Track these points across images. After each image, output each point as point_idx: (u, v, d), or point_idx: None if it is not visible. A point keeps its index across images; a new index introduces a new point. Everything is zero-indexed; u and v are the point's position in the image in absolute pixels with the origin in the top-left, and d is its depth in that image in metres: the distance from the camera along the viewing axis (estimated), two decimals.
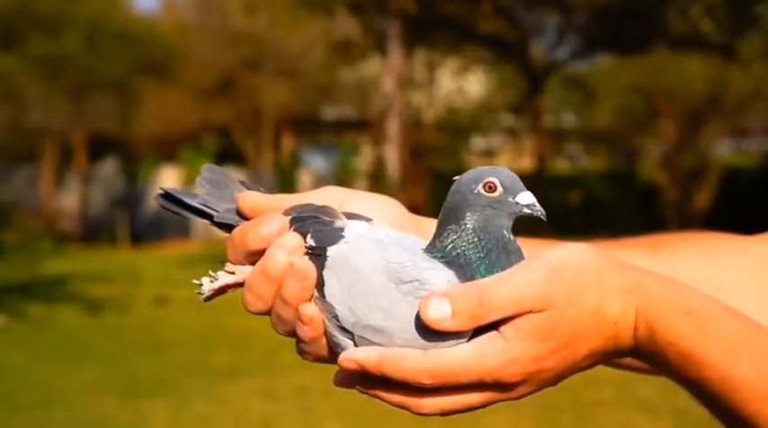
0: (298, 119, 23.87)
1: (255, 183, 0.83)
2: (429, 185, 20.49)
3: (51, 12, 17.84)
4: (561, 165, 25.96)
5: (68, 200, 21.52)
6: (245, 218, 0.77)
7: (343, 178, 22.78)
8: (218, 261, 0.80)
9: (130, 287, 12.48)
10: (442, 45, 15.20)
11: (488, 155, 22.46)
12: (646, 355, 0.66)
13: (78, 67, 17.87)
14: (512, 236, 0.72)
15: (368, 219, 0.76)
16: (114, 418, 6.05)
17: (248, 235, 0.72)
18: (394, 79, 10.47)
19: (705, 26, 9.69)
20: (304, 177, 23.02)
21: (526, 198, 0.73)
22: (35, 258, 15.97)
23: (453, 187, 0.74)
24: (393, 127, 10.44)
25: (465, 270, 0.69)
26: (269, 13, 12.31)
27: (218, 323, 9.76)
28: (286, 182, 22.43)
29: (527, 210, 0.72)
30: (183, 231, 21.33)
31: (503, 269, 0.69)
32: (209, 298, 0.83)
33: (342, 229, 0.75)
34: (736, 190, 17.38)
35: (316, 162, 25.44)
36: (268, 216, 0.73)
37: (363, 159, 22.81)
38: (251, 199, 0.74)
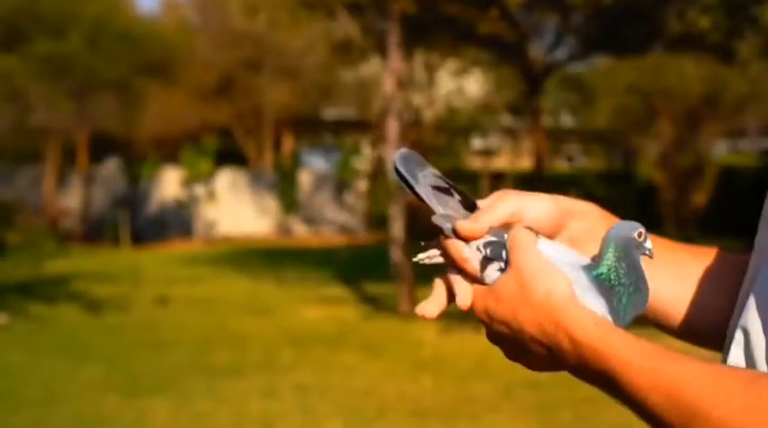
0: (298, 119, 23.90)
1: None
2: None
3: (54, 13, 17.87)
4: (560, 165, 25.99)
5: (71, 200, 21.55)
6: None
7: (343, 178, 22.82)
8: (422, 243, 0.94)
9: (132, 286, 12.50)
10: (441, 46, 15.22)
11: (487, 155, 22.49)
12: (573, 361, 0.83)
13: (81, 68, 17.89)
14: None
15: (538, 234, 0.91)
16: (116, 416, 6.08)
17: (452, 250, 0.89)
18: (394, 80, 10.50)
19: (703, 23, 9.71)
20: (304, 177, 23.05)
21: (650, 244, 0.90)
22: (37, 257, 15.99)
23: (618, 232, 0.89)
24: (393, 127, 10.47)
25: (611, 296, 0.86)
26: (269, 14, 12.35)
27: (218, 322, 9.80)
28: (286, 182, 22.47)
29: (648, 253, 0.90)
30: (185, 231, 21.36)
31: (634, 302, 0.87)
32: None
33: None
34: (733, 189, 17.41)
35: (316, 162, 25.46)
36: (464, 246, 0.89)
37: (363, 159, 22.85)
38: (464, 228, 0.89)
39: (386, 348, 8.38)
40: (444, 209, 0.91)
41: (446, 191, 0.91)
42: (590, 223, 0.96)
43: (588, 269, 0.87)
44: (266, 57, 22.28)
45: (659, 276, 0.95)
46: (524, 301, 0.84)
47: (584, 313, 0.82)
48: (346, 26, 11.13)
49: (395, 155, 0.91)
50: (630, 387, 0.77)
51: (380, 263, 11.65)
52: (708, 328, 0.95)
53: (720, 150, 21.74)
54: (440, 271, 0.92)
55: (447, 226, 0.89)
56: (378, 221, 21.00)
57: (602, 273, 0.87)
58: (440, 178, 0.91)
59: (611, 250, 0.87)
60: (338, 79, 22.15)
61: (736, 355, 0.86)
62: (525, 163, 21.21)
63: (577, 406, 6.05)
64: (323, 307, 10.59)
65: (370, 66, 16.84)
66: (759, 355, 0.83)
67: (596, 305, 0.85)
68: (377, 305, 10.67)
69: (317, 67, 21.25)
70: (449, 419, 6.04)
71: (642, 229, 0.89)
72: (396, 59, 10.58)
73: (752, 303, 0.86)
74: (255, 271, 14.16)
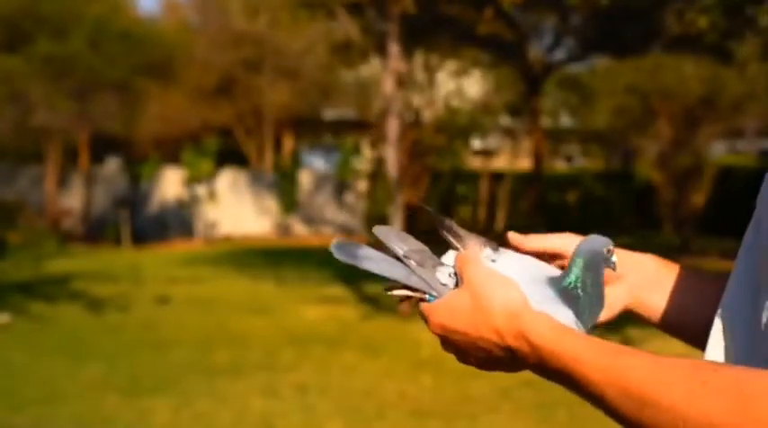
0: (298, 119, 23.92)
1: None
2: (428, 185, 20.55)
3: (56, 13, 17.88)
4: (559, 166, 26.02)
5: (72, 200, 21.58)
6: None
7: (343, 178, 22.85)
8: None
9: (132, 286, 12.51)
10: (441, 46, 15.26)
11: (487, 155, 22.52)
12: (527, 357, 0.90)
13: (82, 68, 17.90)
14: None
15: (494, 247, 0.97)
16: (116, 416, 6.09)
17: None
18: (394, 80, 10.53)
19: (702, 23, 9.73)
20: (304, 177, 23.07)
21: (615, 258, 0.97)
22: (39, 257, 16.03)
23: (588, 246, 0.96)
24: (393, 127, 10.49)
25: (577, 305, 0.92)
26: (270, 15, 12.37)
27: (219, 322, 9.82)
28: (286, 182, 22.50)
29: (612, 267, 0.97)
30: (185, 231, 21.38)
31: (595, 312, 0.94)
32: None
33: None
34: (731, 190, 17.43)
35: (316, 162, 25.49)
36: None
37: (363, 159, 22.87)
38: (514, 237, 1.05)
39: (386, 348, 8.40)
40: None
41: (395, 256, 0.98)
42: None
43: (556, 281, 0.93)
44: (266, 58, 22.31)
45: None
46: (480, 311, 0.90)
47: (540, 317, 0.89)
48: (346, 26, 11.15)
49: (334, 250, 0.99)
50: (587, 384, 0.84)
51: None
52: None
53: (719, 151, 21.76)
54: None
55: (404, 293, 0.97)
56: (378, 221, 21.01)
57: (569, 283, 0.92)
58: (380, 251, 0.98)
59: (580, 261, 0.94)
60: (338, 79, 22.18)
61: (715, 340, 0.91)
62: (524, 163, 21.24)
63: (575, 406, 6.06)
64: (323, 307, 10.61)
65: (370, 67, 16.88)
66: (739, 338, 0.88)
67: (562, 315, 0.91)
68: (377, 305, 10.69)
69: (317, 68, 21.28)
70: (448, 419, 6.06)
71: (612, 246, 0.96)
72: (395, 60, 10.60)
73: (733, 289, 0.91)
74: (256, 271, 14.19)
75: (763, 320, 0.84)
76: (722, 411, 0.75)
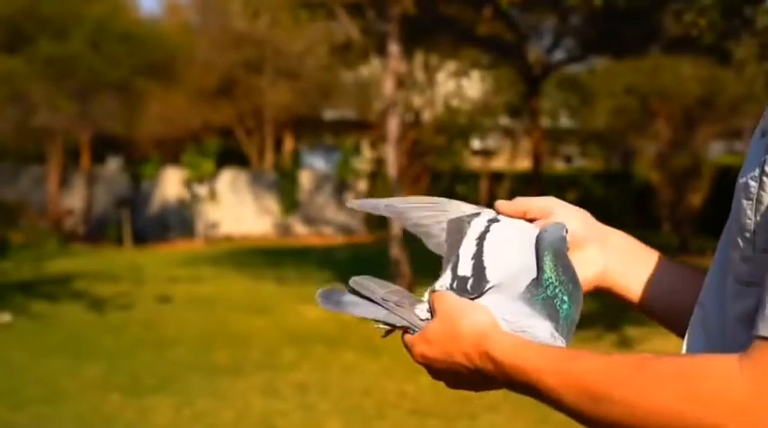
0: (299, 119, 23.95)
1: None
2: (427, 185, 20.58)
3: (57, 14, 17.90)
4: (558, 166, 26.04)
5: (74, 200, 21.62)
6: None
7: (343, 178, 22.88)
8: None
9: (134, 286, 12.54)
10: (440, 47, 15.28)
11: (486, 155, 22.55)
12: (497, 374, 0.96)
13: (83, 69, 17.93)
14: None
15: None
16: (117, 414, 6.11)
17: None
18: (393, 81, 10.56)
19: (702, 24, 9.76)
20: (305, 177, 23.11)
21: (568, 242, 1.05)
22: (40, 257, 16.07)
23: (550, 239, 1.02)
24: (392, 127, 10.53)
25: (555, 310, 0.99)
26: (270, 16, 12.40)
27: (220, 321, 9.85)
28: (287, 182, 22.53)
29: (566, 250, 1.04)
30: (186, 231, 21.41)
31: (576, 299, 1.00)
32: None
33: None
34: (729, 190, 17.37)
35: (316, 162, 25.52)
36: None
37: (363, 159, 22.91)
38: (503, 204, 1.12)
39: (385, 347, 8.42)
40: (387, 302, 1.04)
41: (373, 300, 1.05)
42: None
43: (534, 288, 0.99)
44: (267, 59, 22.35)
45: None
46: (451, 338, 0.97)
47: (502, 337, 0.96)
48: (346, 27, 11.18)
49: (320, 300, 1.05)
50: (547, 390, 0.90)
51: (380, 263, 11.70)
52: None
53: (717, 151, 21.79)
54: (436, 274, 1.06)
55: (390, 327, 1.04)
56: (378, 221, 21.06)
57: (546, 290, 0.98)
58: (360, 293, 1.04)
59: (548, 258, 1.01)
60: (338, 80, 22.21)
61: (695, 329, 0.97)
62: (524, 163, 21.27)
63: None
64: None
65: (371, 67, 16.91)
66: (713, 326, 0.94)
67: (543, 329, 0.98)
68: None
69: (317, 68, 21.30)
70: (448, 418, 6.08)
71: (567, 228, 1.04)
72: (396, 60, 10.63)
73: (708, 280, 0.98)
74: (256, 271, 14.22)
75: (728, 302, 0.90)
76: (667, 396, 0.81)
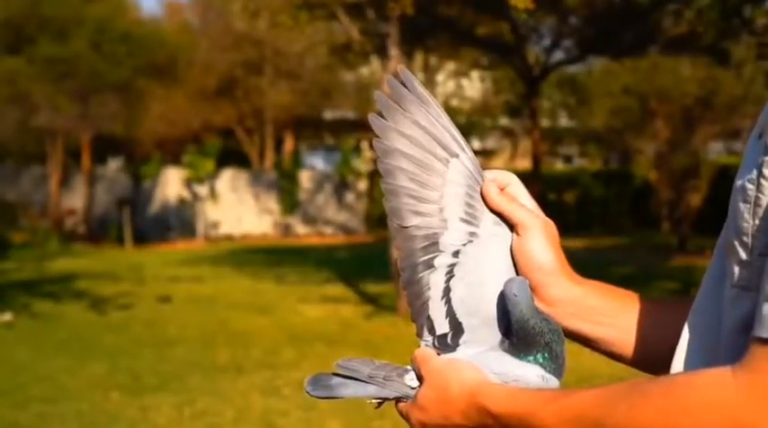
0: (299, 120, 23.96)
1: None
2: None
3: (58, 15, 17.94)
4: (557, 165, 26.07)
5: (75, 200, 21.65)
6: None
7: (343, 178, 22.89)
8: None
9: (135, 285, 12.56)
10: (440, 47, 15.31)
11: (486, 155, 22.58)
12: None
13: (84, 70, 17.98)
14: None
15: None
16: (119, 413, 6.11)
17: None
18: None
19: (700, 24, 9.77)
20: (305, 177, 23.12)
21: None
22: (42, 256, 16.10)
23: (520, 298, 1.00)
24: None
25: (546, 369, 0.99)
26: (270, 16, 12.43)
27: (220, 320, 9.87)
28: (287, 182, 22.55)
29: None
30: (187, 231, 21.44)
31: (560, 338, 1.00)
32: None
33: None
34: (728, 189, 17.43)
35: (316, 162, 25.54)
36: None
37: (363, 159, 22.92)
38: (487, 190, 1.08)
39: (385, 347, 8.44)
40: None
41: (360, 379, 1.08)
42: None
43: (513, 348, 1.01)
44: (267, 59, 22.38)
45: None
46: (444, 402, 0.99)
47: (494, 388, 0.97)
48: (347, 28, 11.21)
49: (309, 388, 1.09)
50: None
51: (380, 263, 11.72)
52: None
53: (716, 151, 21.82)
54: None
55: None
56: (378, 221, 21.09)
57: (530, 356, 1.00)
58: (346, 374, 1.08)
59: (524, 315, 0.99)
60: (338, 80, 22.24)
61: (689, 336, 0.96)
62: (524, 163, 21.32)
63: None
64: (323, 306, 10.66)
65: (371, 67, 16.94)
66: (707, 331, 0.93)
67: (532, 375, 0.99)
68: (377, 304, 10.74)
69: (317, 69, 21.33)
70: None
71: (529, 281, 1.01)
72: (395, 61, 10.65)
73: (704, 285, 0.96)
74: (257, 271, 14.24)
75: (725, 307, 0.89)
76: (659, 411, 0.82)
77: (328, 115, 24.90)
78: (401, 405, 1.04)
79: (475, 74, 19.68)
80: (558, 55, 15.38)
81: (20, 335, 8.99)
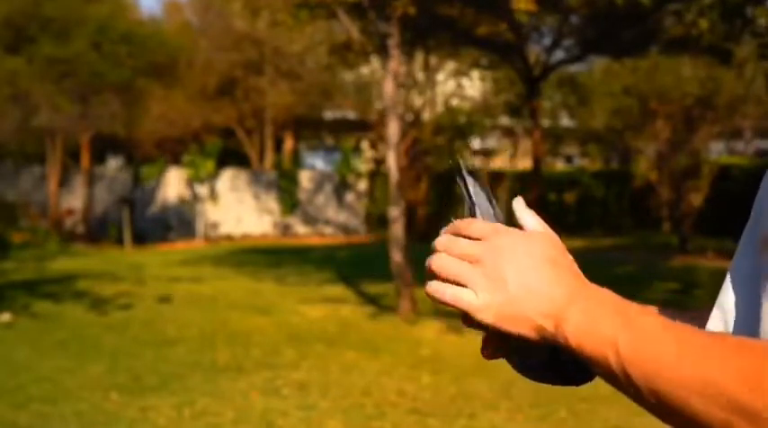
0: (299, 120, 23.99)
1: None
2: (427, 185, 20.62)
3: (59, 15, 17.97)
4: (558, 165, 26.09)
5: (75, 200, 21.66)
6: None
7: (343, 178, 22.90)
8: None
9: (135, 285, 12.56)
10: (441, 47, 15.32)
11: (486, 155, 22.58)
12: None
13: (85, 70, 17.99)
14: None
15: None
16: (119, 413, 6.11)
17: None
18: (394, 81, 10.58)
19: (702, 25, 9.76)
20: (305, 177, 23.14)
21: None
22: (41, 256, 16.10)
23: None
24: (393, 127, 10.54)
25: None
26: (270, 16, 12.43)
27: (220, 320, 9.87)
28: (287, 182, 22.56)
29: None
30: (187, 231, 21.45)
31: None
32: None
33: None
34: (729, 189, 17.52)
35: (316, 162, 25.55)
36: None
37: (363, 159, 22.94)
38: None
39: (385, 347, 8.45)
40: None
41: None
42: None
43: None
44: (267, 59, 22.39)
45: None
46: (515, 233, 0.90)
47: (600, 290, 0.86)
48: (347, 27, 11.20)
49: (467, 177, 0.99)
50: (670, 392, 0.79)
51: (380, 263, 11.72)
52: None
53: (716, 151, 21.84)
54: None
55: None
56: (378, 221, 21.10)
57: None
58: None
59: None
60: (338, 80, 22.25)
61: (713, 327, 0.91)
62: (524, 163, 21.31)
63: (575, 404, 6.11)
64: (323, 306, 10.66)
65: (371, 67, 16.95)
66: (737, 326, 0.89)
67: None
68: (377, 304, 10.75)
69: (317, 69, 21.34)
70: (447, 417, 6.09)
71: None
72: (396, 61, 10.65)
73: (727, 283, 0.91)
74: (257, 271, 14.25)
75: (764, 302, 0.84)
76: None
77: (328, 115, 24.92)
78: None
79: (475, 73, 19.68)
80: (559, 54, 15.37)
81: (20, 335, 8.99)
